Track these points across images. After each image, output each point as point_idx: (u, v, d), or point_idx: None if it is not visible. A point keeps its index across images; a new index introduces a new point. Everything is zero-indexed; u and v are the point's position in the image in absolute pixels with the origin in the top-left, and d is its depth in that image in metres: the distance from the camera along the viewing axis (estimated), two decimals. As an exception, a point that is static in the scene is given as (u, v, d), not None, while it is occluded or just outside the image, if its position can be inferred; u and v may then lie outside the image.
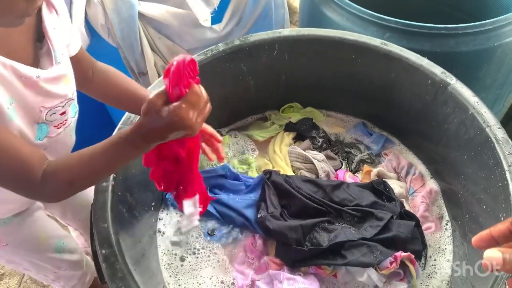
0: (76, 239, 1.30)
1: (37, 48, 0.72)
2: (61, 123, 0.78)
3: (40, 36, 0.72)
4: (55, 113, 0.75)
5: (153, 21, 1.26)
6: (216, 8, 1.28)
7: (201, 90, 0.65)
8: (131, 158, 0.70)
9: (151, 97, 0.62)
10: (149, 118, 0.62)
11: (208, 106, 0.67)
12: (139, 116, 0.93)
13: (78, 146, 0.91)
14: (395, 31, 1.17)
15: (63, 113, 0.77)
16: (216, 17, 1.30)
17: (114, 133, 0.92)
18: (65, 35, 0.77)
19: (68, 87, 0.76)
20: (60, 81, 0.73)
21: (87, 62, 0.88)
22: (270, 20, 1.48)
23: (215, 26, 1.31)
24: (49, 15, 0.72)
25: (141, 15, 1.24)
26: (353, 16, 1.21)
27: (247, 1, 1.34)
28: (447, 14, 1.63)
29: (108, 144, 0.68)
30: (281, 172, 1.12)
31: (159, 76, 1.30)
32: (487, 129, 0.91)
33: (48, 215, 1.12)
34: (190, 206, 0.81)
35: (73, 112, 0.82)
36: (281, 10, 1.52)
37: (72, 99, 0.79)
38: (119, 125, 0.94)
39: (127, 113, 0.96)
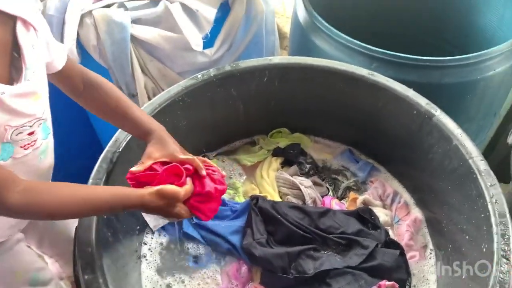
0: (51, 265, 1.26)
1: (10, 66, 0.69)
2: (28, 144, 0.74)
3: (18, 54, 0.70)
4: (21, 132, 0.71)
5: (145, 43, 1.27)
6: (208, 33, 1.30)
7: None
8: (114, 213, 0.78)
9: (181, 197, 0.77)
10: (161, 209, 0.76)
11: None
12: (126, 141, 0.94)
13: (62, 165, 0.91)
14: (382, 61, 1.20)
15: (31, 133, 0.73)
16: (208, 42, 1.31)
17: (97, 166, 0.92)
18: (45, 52, 0.75)
19: (37, 106, 0.72)
20: (27, 98, 0.69)
21: (77, 76, 0.85)
22: (260, 46, 1.51)
23: (207, 51, 1.33)
24: (25, 34, 0.69)
25: (133, 38, 1.25)
26: (342, 46, 1.24)
27: (238, 27, 1.37)
28: (433, 45, 1.68)
29: (110, 196, 0.74)
30: (268, 198, 1.12)
31: (149, 98, 1.30)
32: (470, 161, 0.93)
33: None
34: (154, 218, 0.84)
35: (44, 134, 0.78)
36: (271, 37, 1.55)
37: (43, 119, 0.75)
38: (107, 148, 0.94)
39: (114, 136, 0.96)
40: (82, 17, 1.22)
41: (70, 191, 0.71)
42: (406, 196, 1.17)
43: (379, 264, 0.96)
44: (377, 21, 1.71)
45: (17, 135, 0.70)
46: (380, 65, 1.20)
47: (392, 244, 1.02)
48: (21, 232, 0.98)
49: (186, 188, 0.79)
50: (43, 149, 0.79)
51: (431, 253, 1.06)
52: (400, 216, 1.12)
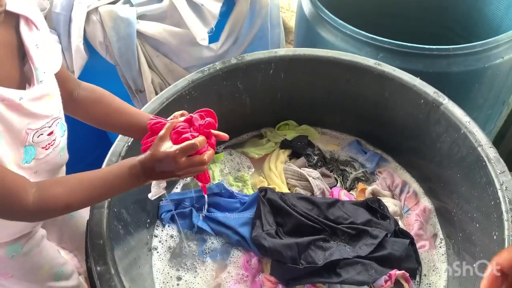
0: (70, 260, 1.28)
1: (21, 68, 0.70)
2: (49, 144, 0.76)
3: (23, 54, 0.70)
4: (42, 134, 0.73)
5: (151, 39, 1.28)
6: (213, 28, 1.30)
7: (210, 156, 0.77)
8: (128, 189, 0.76)
9: (173, 151, 0.72)
10: (162, 164, 0.72)
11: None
12: (131, 139, 0.94)
13: (72, 162, 0.91)
14: (389, 51, 1.19)
15: (51, 133, 0.75)
16: (213, 36, 1.32)
17: (106, 159, 0.92)
18: (48, 50, 0.75)
19: (53, 106, 0.74)
20: (44, 100, 0.71)
21: (71, 82, 0.84)
22: (266, 40, 1.51)
23: (212, 45, 1.33)
24: (29, 33, 0.69)
25: (140, 33, 1.25)
26: (347, 37, 1.23)
27: (243, 21, 1.37)
28: (439, 35, 1.67)
29: (109, 172, 0.73)
30: (277, 190, 1.12)
31: (156, 93, 1.31)
32: (479, 148, 0.93)
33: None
34: (155, 186, 0.83)
35: (61, 132, 0.79)
36: (276, 30, 1.55)
37: (59, 118, 0.76)
38: (116, 141, 0.95)
39: (120, 136, 0.96)
40: (89, 14, 1.23)
41: (77, 178, 0.73)
42: (415, 185, 1.17)
43: (389, 254, 0.96)
44: (382, 13, 1.70)
45: (38, 137, 0.72)
46: (387, 55, 1.20)
47: (401, 233, 1.02)
48: (43, 228, 0.99)
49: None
50: (62, 146, 0.81)
51: (441, 242, 1.06)
52: (409, 206, 1.12)
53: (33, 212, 0.67)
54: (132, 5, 1.28)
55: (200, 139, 0.75)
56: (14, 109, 0.65)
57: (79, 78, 1.26)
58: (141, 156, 0.74)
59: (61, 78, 0.78)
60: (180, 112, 0.85)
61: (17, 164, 0.70)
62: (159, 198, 1.08)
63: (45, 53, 0.72)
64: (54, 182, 0.73)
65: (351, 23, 1.24)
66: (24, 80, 0.69)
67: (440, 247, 1.05)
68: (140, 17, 1.26)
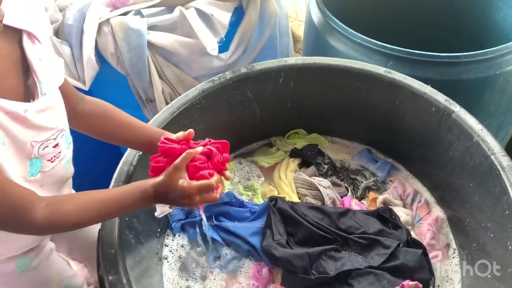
0: (80, 271, 1.28)
1: (25, 81, 0.70)
2: (54, 156, 0.76)
3: (27, 68, 0.71)
4: (47, 146, 0.73)
5: (161, 49, 1.29)
6: (223, 38, 1.31)
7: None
8: (137, 210, 0.79)
9: (189, 188, 0.72)
10: (175, 196, 0.73)
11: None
12: (133, 163, 0.93)
13: (81, 174, 0.92)
14: (399, 59, 1.19)
15: (56, 145, 0.75)
16: (223, 46, 1.33)
17: (118, 169, 0.92)
18: (51, 63, 0.75)
19: (58, 118, 0.74)
20: (49, 112, 0.71)
21: (74, 96, 0.85)
22: (275, 49, 1.52)
23: (222, 55, 1.34)
24: (31, 46, 0.70)
25: (150, 44, 1.27)
26: (357, 45, 1.23)
27: (253, 31, 1.38)
28: (449, 43, 1.66)
29: (122, 194, 0.74)
30: (287, 199, 1.12)
31: (167, 103, 1.31)
32: (492, 157, 0.91)
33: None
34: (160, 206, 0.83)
35: (67, 144, 0.80)
36: (285, 39, 1.56)
37: (64, 130, 0.77)
38: (127, 151, 0.96)
39: (123, 160, 0.95)
40: (100, 25, 1.25)
41: (89, 197, 0.73)
42: (426, 195, 1.16)
43: (401, 264, 0.95)
44: (391, 21, 1.70)
45: (43, 149, 0.72)
46: (396, 63, 1.19)
47: (414, 243, 1.00)
48: (51, 241, 1.00)
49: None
50: (68, 159, 0.81)
51: (454, 253, 1.04)
52: (421, 215, 1.11)
53: (41, 227, 0.68)
54: (143, 16, 1.29)
55: (216, 178, 0.76)
56: (19, 121, 0.65)
57: (90, 88, 1.29)
58: (155, 181, 0.74)
59: (64, 92, 0.78)
60: (188, 131, 0.83)
61: (23, 177, 0.70)
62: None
63: (49, 66, 0.73)
64: (66, 199, 0.73)
65: (360, 30, 1.24)
66: (28, 93, 0.70)
67: (454, 257, 1.03)
68: (151, 28, 1.27)
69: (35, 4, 0.73)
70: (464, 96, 1.17)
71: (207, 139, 0.82)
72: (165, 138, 0.81)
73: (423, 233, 1.06)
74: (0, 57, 0.65)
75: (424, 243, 1.03)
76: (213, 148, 0.79)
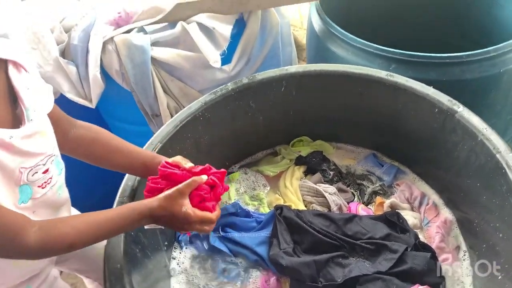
0: (89, 284, 1.28)
1: (13, 111, 0.70)
2: (45, 182, 0.75)
3: (15, 98, 0.70)
4: (37, 172, 0.72)
5: (165, 64, 1.31)
6: (225, 50, 1.33)
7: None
8: (133, 230, 0.80)
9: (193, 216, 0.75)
10: (175, 220, 0.75)
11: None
12: (138, 178, 0.94)
13: (80, 199, 0.91)
14: (401, 62, 1.19)
15: (46, 171, 0.74)
16: (226, 58, 1.34)
17: (119, 193, 0.93)
18: (39, 92, 0.75)
19: (46, 143, 0.73)
20: (36, 137, 0.70)
21: (66, 122, 0.85)
22: (278, 58, 1.53)
23: (225, 67, 1.35)
24: (18, 76, 0.70)
25: (154, 60, 1.29)
26: (358, 50, 1.24)
27: (254, 41, 1.39)
28: (452, 44, 1.64)
29: (117, 215, 0.75)
30: (293, 207, 1.12)
31: (172, 117, 1.33)
32: (498, 155, 0.90)
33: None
34: None
35: (58, 170, 0.78)
36: (288, 48, 1.56)
37: (54, 155, 0.76)
38: (121, 186, 0.96)
39: (127, 176, 0.96)
40: (104, 44, 1.28)
41: (84, 218, 0.74)
42: (434, 197, 1.14)
43: (410, 268, 0.93)
44: (392, 26, 1.70)
45: (32, 175, 0.71)
46: (399, 66, 1.19)
47: (422, 247, 0.99)
48: (60, 262, 1.00)
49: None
50: (60, 184, 0.80)
51: (464, 255, 1.02)
52: (429, 218, 1.09)
53: (34, 250, 0.68)
54: (146, 33, 1.32)
55: (217, 213, 0.80)
56: (5, 148, 0.65)
57: (97, 106, 1.32)
58: (152, 204, 0.75)
59: (54, 118, 0.78)
60: (190, 164, 0.85)
61: (14, 204, 0.69)
62: None
63: (36, 93, 0.73)
64: (60, 222, 0.74)
65: (362, 36, 1.24)
66: (17, 121, 0.70)
67: (464, 259, 1.01)
68: (154, 43, 1.30)
69: (18, 35, 0.74)
70: (469, 96, 1.16)
71: (207, 165, 0.84)
72: (166, 162, 0.83)
73: (432, 236, 1.05)
74: None
75: (433, 246, 1.01)
76: (216, 180, 0.82)
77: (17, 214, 0.68)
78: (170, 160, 0.85)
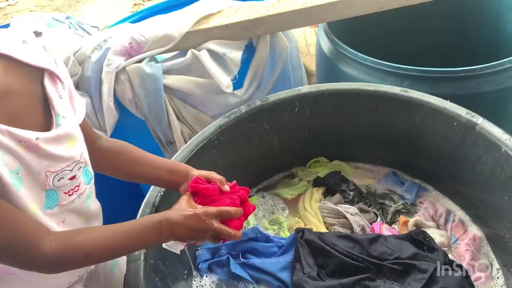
0: None
1: (45, 117, 0.71)
2: (72, 190, 0.75)
3: (48, 106, 0.72)
4: (63, 177, 0.72)
5: (178, 92, 1.32)
6: (237, 75, 1.34)
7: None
8: (152, 244, 0.78)
9: (212, 222, 0.74)
10: (192, 230, 0.73)
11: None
12: (163, 190, 0.94)
13: (112, 217, 0.91)
14: (414, 78, 1.18)
15: (73, 177, 0.74)
16: (237, 83, 1.35)
17: (139, 214, 0.92)
18: (72, 101, 0.78)
19: (74, 149, 0.74)
20: (63, 142, 0.71)
21: (93, 135, 0.87)
22: (288, 82, 1.53)
23: (237, 91, 1.36)
24: (52, 84, 0.72)
25: (166, 87, 1.30)
26: (370, 69, 1.23)
27: (264, 66, 1.40)
28: (463, 60, 1.64)
29: (134, 224, 0.73)
30: (314, 230, 1.09)
31: (185, 143, 1.33)
32: (525, 166, 0.87)
33: None
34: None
35: (86, 179, 0.79)
36: (298, 71, 1.57)
37: (82, 163, 0.76)
38: (149, 192, 0.96)
39: (152, 187, 0.96)
40: (117, 74, 1.29)
41: (101, 229, 0.74)
42: (460, 213, 1.11)
43: (442, 289, 0.89)
44: (400, 44, 1.70)
45: (58, 180, 0.72)
46: (412, 82, 1.18)
47: (452, 265, 0.95)
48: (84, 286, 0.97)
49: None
50: (88, 194, 0.80)
51: (498, 272, 0.98)
52: (457, 235, 1.05)
53: (50, 260, 0.66)
54: (157, 61, 1.34)
55: (239, 210, 0.79)
56: (31, 150, 0.66)
57: (111, 136, 1.32)
58: (169, 211, 0.75)
59: (83, 130, 0.80)
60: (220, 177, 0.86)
61: (40, 209, 0.70)
62: (195, 247, 1.07)
63: (68, 103, 0.76)
64: (76, 231, 0.73)
65: (370, 55, 1.24)
66: (47, 127, 0.71)
67: (498, 277, 0.97)
68: (166, 72, 1.31)
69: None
70: (487, 109, 1.14)
71: (234, 182, 0.86)
72: (197, 178, 0.83)
73: (461, 254, 1.00)
74: (19, 93, 0.67)
75: (464, 264, 0.97)
76: (245, 195, 0.84)
77: (37, 223, 0.67)
78: (196, 172, 0.86)
